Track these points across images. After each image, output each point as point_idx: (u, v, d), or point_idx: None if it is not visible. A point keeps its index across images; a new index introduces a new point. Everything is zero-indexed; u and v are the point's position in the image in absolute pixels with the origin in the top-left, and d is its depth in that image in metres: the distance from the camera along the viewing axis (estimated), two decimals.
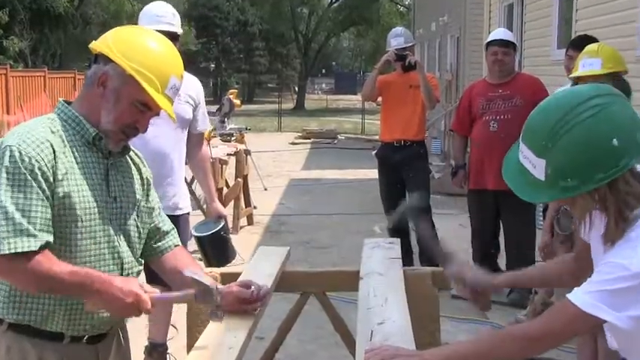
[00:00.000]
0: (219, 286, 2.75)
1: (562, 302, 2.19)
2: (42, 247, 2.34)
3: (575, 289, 2.14)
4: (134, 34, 2.66)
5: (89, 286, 2.41)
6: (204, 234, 5.04)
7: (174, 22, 5.03)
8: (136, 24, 4.59)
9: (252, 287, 2.86)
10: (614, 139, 2.06)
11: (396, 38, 7.83)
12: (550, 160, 2.11)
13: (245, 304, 2.81)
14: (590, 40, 5.96)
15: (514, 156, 2.28)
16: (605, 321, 2.09)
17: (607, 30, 7.75)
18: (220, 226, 5.21)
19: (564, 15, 11.07)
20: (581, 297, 2.10)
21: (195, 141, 5.29)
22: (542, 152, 2.13)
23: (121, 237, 2.65)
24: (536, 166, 2.16)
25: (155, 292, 2.59)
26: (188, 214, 5.19)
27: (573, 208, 2.32)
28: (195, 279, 2.63)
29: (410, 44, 7.83)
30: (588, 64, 4.91)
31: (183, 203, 5.05)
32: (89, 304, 2.49)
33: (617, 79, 4.86)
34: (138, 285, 2.51)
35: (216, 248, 5.08)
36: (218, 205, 5.50)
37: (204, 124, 5.45)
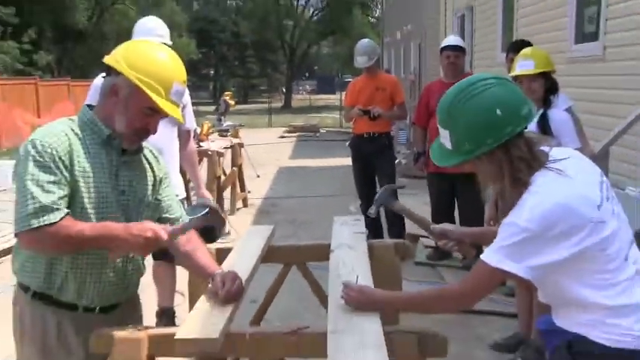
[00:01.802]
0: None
1: (478, 263, 2.31)
2: (62, 218, 2.38)
3: (485, 249, 2.30)
4: (139, 47, 2.66)
5: (109, 232, 2.45)
6: (195, 216, 5.04)
7: (163, 33, 5.05)
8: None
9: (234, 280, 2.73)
10: (498, 110, 2.24)
11: (361, 57, 7.80)
12: (452, 130, 2.33)
13: (230, 295, 2.65)
14: (525, 44, 6.00)
15: (437, 139, 2.43)
16: (512, 273, 2.22)
17: (543, 36, 7.78)
18: (205, 211, 5.22)
19: (507, 23, 11.12)
20: (488, 255, 2.26)
21: (183, 138, 5.29)
22: (446, 125, 2.35)
23: None
24: (445, 138, 2.36)
25: (172, 227, 2.62)
26: (184, 198, 5.20)
27: (479, 173, 2.46)
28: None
29: (372, 61, 7.79)
30: (523, 65, 4.93)
31: (178, 190, 5.00)
32: (112, 255, 2.53)
33: (547, 78, 4.92)
34: (152, 223, 2.54)
35: (203, 229, 5.08)
36: (204, 192, 5.52)
37: (191, 123, 5.43)
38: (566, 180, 2.25)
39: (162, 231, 2.52)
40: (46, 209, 2.36)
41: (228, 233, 8.31)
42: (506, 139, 2.25)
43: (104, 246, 2.49)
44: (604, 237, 2.22)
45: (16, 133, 20.11)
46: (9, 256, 7.92)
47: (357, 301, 2.54)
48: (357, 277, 2.80)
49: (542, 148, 2.34)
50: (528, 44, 5.96)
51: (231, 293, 2.64)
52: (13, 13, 26.70)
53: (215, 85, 57.17)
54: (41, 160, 2.41)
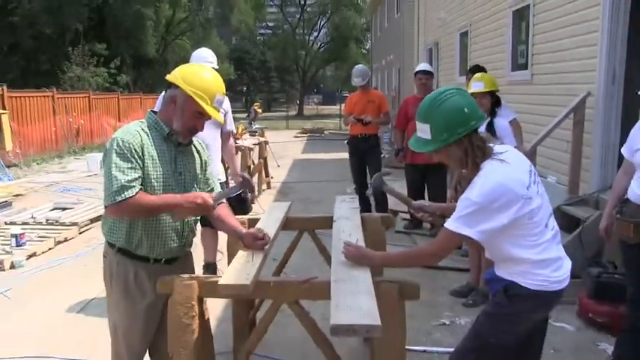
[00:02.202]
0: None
1: (443, 229, 2.34)
2: (136, 193, 2.42)
3: (447, 220, 2.33)
4: (192, 68, 2.66)
5: (171, 200, 2.50)
6: (231, 195, 5.01)
7: (213, 60, 5.09)
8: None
9: (262, 234, 2.80)
10: (465, 109, 2.30)
11: (357, 78, 7.69)
12: (432, 124, 2.33)
13: (257, 241, 2.75)
14: (480, 68, 5.96)
15: (415, 135, 2.47)
16: (467, 236, 2.26)
17: (489, 65, 7.74)
18: (241, 190, 5.20)
19: (463, 55, 11.04)
20: (450, 223, 2.29)
21: (224, 137, 5.26)
22: (426, 120, 2.36)
23: None
24: (424, 131, 2.36)
25: (213, 194, 2.65)
26: (224, 182, 5.16)
27: (450, 160, 2.45)
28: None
29: (365, 81, 7.68)
30: (476, 85, 4.94)
31: (220, 175, 5.03)
32: (176, 216, 2.57)
33: (493, 95, 4.96)
34: (202, 192, 2.60)
35: (238, 204, 5.05)
36: (239, 176, 5.47)
37: (231, 126, 5.40)
38: (505, 166, 2.30)
39: (209, 197, 2.55)
40: (125, 188, 2.40)
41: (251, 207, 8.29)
42: (471, 129, 2.31)
43: (168, 211, 2.54)
44: (531, 209, 2.28)
45: (103, 132, 20.18)
46: (98, 223, 8.01)
47: (354, 256, 2.55)
48: (357, 240, 2.81)
49: (489, 144, 2.37)
50: (483, 69, 5.92)
51: (261, 243, 2.73)
52: (105, 47, 27.06)
53: (246, 98, 57.06)
54: (121, 152, 2.45)
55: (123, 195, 2.39)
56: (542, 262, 2.34)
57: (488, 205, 2.21)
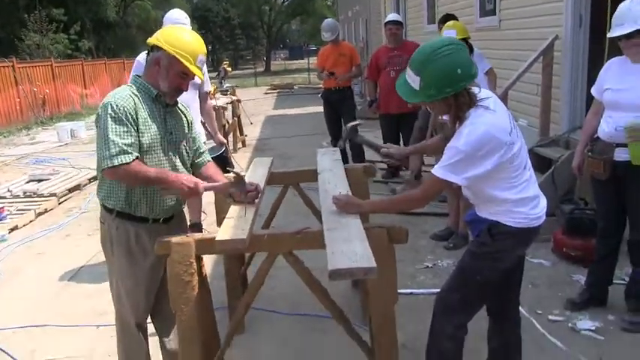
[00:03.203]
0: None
1: (430, 175, 2.42)
2: (133, 160, 2.47)
3: (435, 167, 2.40)
4: (173, 31, 2.73)
5: (166, 177, 2.56)
6: (213, 155, 5.05)
7: (186, 22, 5.08)
8: (161, 25, 4.51)
9: (254, 186, 2.89)
10: (458, 69, 2.31)
11: (327, 32, 7.69)
12: (422, 77, 2.35)
13: (250, 198, 2.83)
14: (451, 17, 6.02)
15: (403, 76, 2.47)
16: (452, 182, 2.36)
17: (457, 12, 7.77)
18: (222, 150, 5.29)
19: (430, 2, 11.02)
20: (437, 170, 2.38)
21: (202, 97, 5.31)
22: (418, 72, 2.36)
23: (177, 157, 2.74)
24: (414, 81, 2.38)
25: (205, 184, 2.71)
26: (204, 142, 5.20)
27: (435, 109, 2.55)
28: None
29: (335, 35, 7.68)
30: (448, 33, 5.00)
31: (201, 137, 5.04)
32: (165, 192, 2.65)
33: (465, 42, 4.99)
34: (196, 178, 2.66)
35: (221, 163, 5.10)
36: (220, 136, 5.53)
37: (208, 86, 5.46)
38: (490, 114, 2.36)
39: (202, 185, 2.64)
40: (123, 152, 2.46)
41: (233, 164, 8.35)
42: (459, 90, 2.34)
43: (161, 185, 2.59)
44: (513, 154, 2.37)
45: (70, 100, 19.81)
46: (76, 192, 7.99)
47: (345, 205, 2.62)
48: (347, 191, 2.89)
49: (473, 89, 2.41)
50: (454, 17, 5.97)
51: (253, 194, 2.83)
52: (63, 12, 26.29)
53: (213, 58, 56.13)
54: (116, 116, 2.49)
55: (120, 159, 2.44)
56: (522, 200, 2.45)
57: (475, 152, 2.29)
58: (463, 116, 2.37)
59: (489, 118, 2.35)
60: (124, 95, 2.57)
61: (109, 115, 2.49)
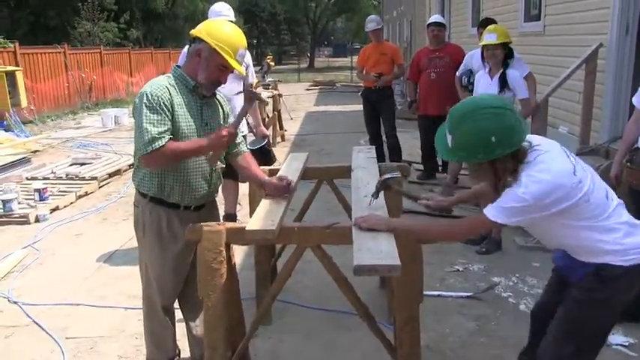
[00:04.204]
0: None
1: (480, 214, 2.24)
2: (166, 142, 2.54)
3: (488, 206, 2.20)
4: (215, 23, 2.76)
5: (197, 142, 2.64)
6: (255, 147, 5.08)
7: (229, 14, 5.14)
8: (207, 17, 4.57)
9: (285, 180, 2.95)
10: (493, 137, 2.12)
11: (370, 23, 7.67)
12: (454, 137, 2.21)
13: (280, 191, 2.89)
14: (491, 21, 5.94)
15: (443, 129, 2.30)
16: (502, 223, 2.19)
17: (502, 16, 7.69)
18: (264, 142, 5.28)
19: (475, 6, 10.90)
20: (490, 211, 2.18)
21: (247, 89, 5.31)
22: (451, 132, 2.23)
23: None
24: (448, 139, 2.24)
25: (231, 127, 2.74)
26: (245, 134, 5.25)
27: (471, 174, 2.47)
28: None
29: (379, 26, 7.65)
30: (489, 37, 4.95)
31: (243, 128, 5.10)
32: (214, 158, 2.73)
33: (506, 47, 4.96)
34: (222, 129, 2.69)
35: (262, 155, 5.14)
36: (263, 129, 5.54)
37: (252, 78, 5.49)
38: (549, 160, 2.17)
39: (231, 127, 2.70)
40: (155, 139, 2.52)
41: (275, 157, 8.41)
42: (494, 158, 2.17)
43: (197, 153, 2.66)
44: (585, 192, 2.16)
45: (115, 88, 20.21)
46: (116, 177, 8.16)
47: (375, 225, 2.40)
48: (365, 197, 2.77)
49: (528, 137, 2.21)
50: (493, 21, 5.90)
51: (285, 187, 2.89)
52: (114, 1, 26.72)
53: (257, 52, 56.51)
54: (151, 105, 2.55)
55: (153, 145, 2.51)
56: (628, 231, 2.23)
57: (535, 203, 2.10)
58: (507, 182, 2.19)
59: (550, 166, 2.14)
60: (160, 85, 2.62)
61: (144, 105, 2.55)
